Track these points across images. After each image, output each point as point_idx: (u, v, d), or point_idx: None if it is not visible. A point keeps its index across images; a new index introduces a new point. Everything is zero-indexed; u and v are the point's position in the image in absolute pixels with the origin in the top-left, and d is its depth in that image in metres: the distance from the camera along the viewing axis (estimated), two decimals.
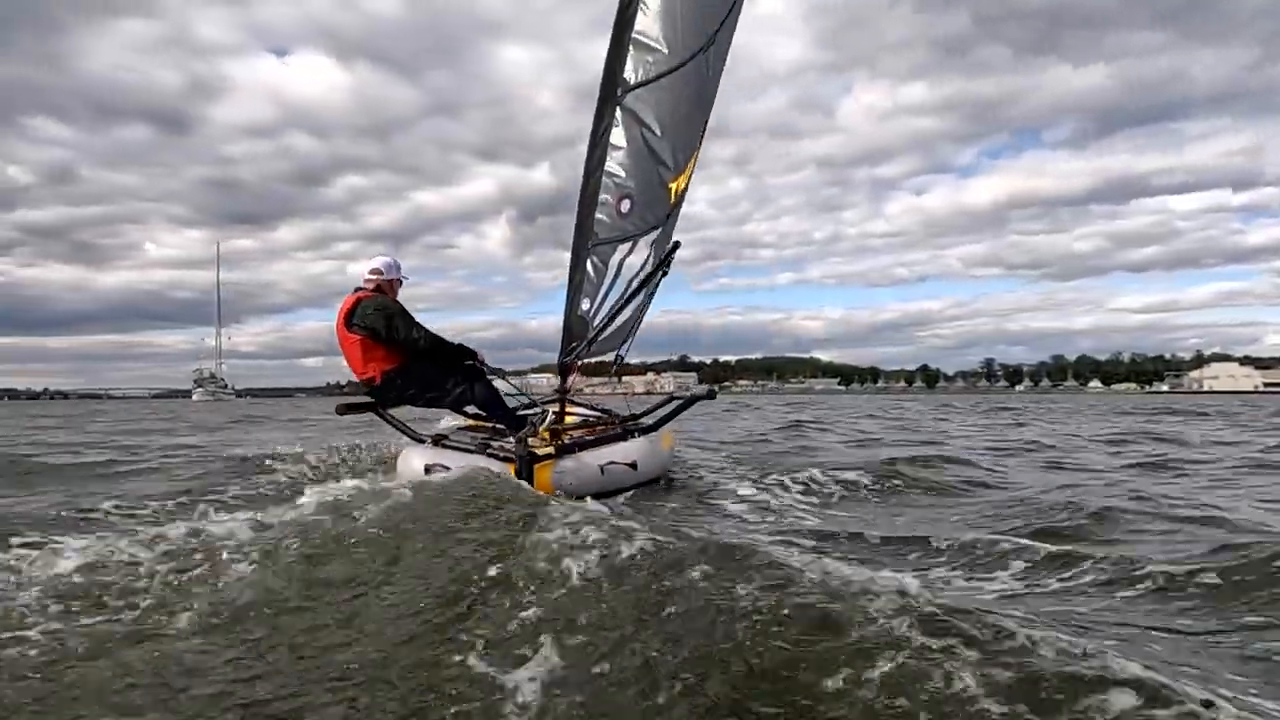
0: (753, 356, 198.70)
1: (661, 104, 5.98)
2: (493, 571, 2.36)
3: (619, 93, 6.04)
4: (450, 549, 2.55)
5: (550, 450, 4.56)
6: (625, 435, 5.03)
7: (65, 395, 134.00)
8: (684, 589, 2.09)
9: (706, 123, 6.21)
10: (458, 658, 1.87)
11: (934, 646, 1.65)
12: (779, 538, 3.70)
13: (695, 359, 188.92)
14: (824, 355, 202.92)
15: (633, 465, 4.71)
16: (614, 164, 6.16)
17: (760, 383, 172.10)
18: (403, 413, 5.32)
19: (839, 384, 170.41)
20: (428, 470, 4.45)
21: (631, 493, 4.88)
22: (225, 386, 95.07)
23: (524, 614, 2.06)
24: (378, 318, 4.77)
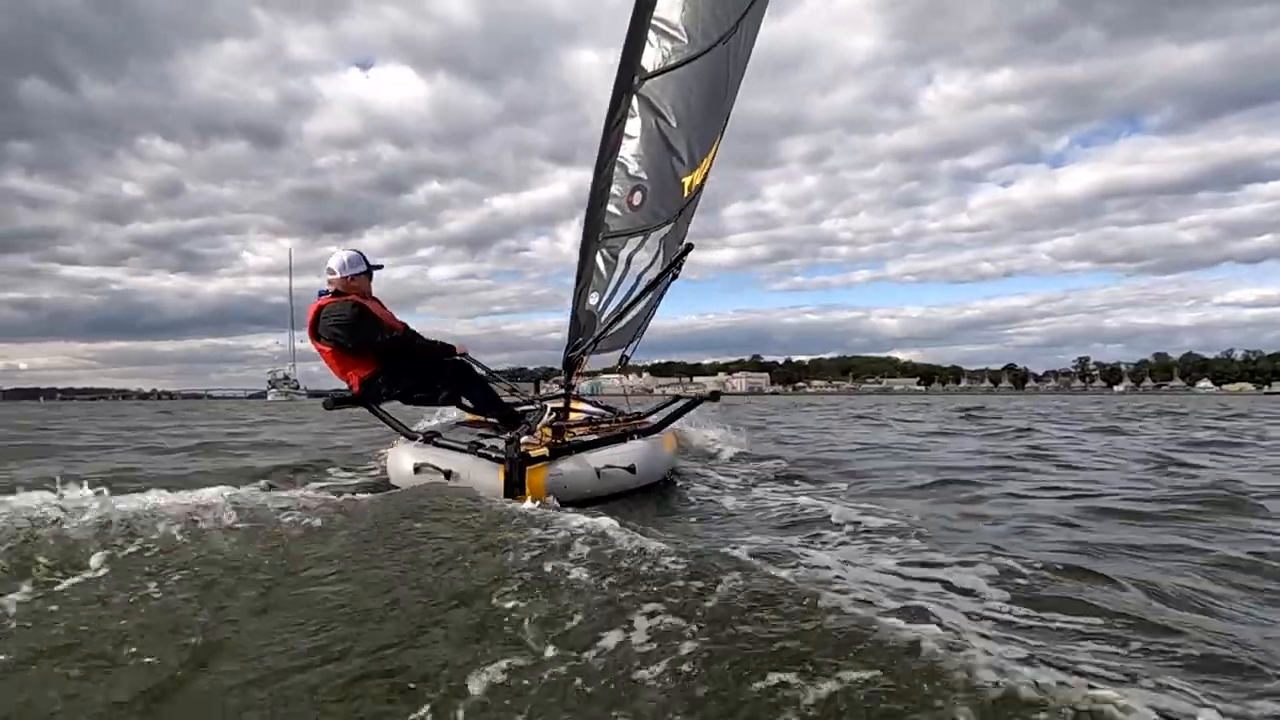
0: (827, 356, 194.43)
1: (678, 94, 5.68)
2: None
3: (635, 80, 5.74)
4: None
5: (544, 451, 4.31)
6: (624, 437, 4.73)
7: (171, 395, 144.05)
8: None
9: (726, 120, 5.89)
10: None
11: None
12: None
13: (768, 358, 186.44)
14: (902, 355, 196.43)
15: (631, 469, 4.41)
16: (627, 154, 5.87)
17: (835, 383, 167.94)
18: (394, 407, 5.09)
19: (918, 384, 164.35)
20: (416, 470, 4.30)
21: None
22: (297, 387, 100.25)
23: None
24: (338, 331, 4.52)
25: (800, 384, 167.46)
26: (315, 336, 4.62)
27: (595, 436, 4.78)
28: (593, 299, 6.13)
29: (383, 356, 4.63)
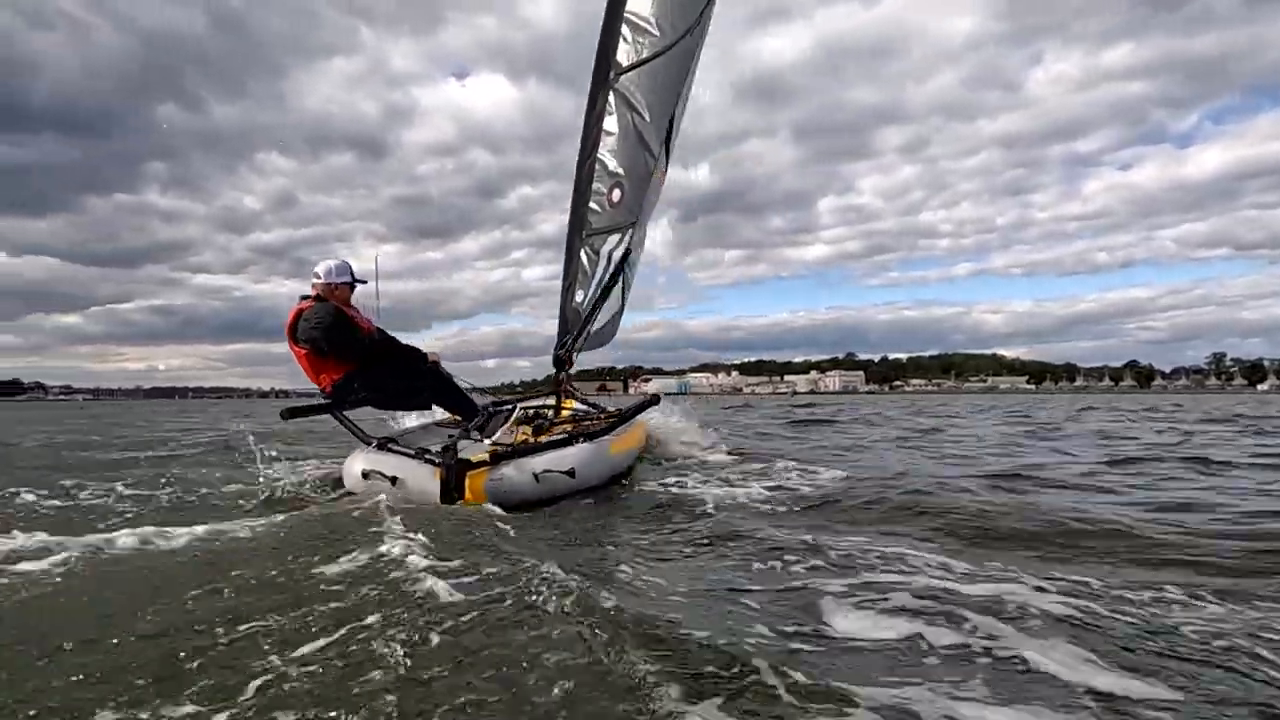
0: (926, 354, 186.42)
1: (650, 87, 5.67)
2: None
3: (611, 75, 5.71)
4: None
5: (485, 456, 4.37)
6: (571, 440, 4.75)
7: (288, 394, 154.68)
8: None
9: (684, 111, 5.89)
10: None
11: None
12: None
13: (862, 356, 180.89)
14: (1007, 351, 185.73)
15: (570, 472, 4.39)
16: (605, 151, 5.75)
17: (935, 382, 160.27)
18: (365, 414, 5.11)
19: (1028, 383, 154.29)
20: (365, 476, 4.34)
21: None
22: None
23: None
24: (316, 331, 4.62)
25: (897, 383, 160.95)
26: (293, 339, 4.72)
27: (542, 441, 4.80)
28: (579, 296, 6.04)
29: (357, 360, 4.75)
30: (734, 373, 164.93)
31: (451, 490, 4.17)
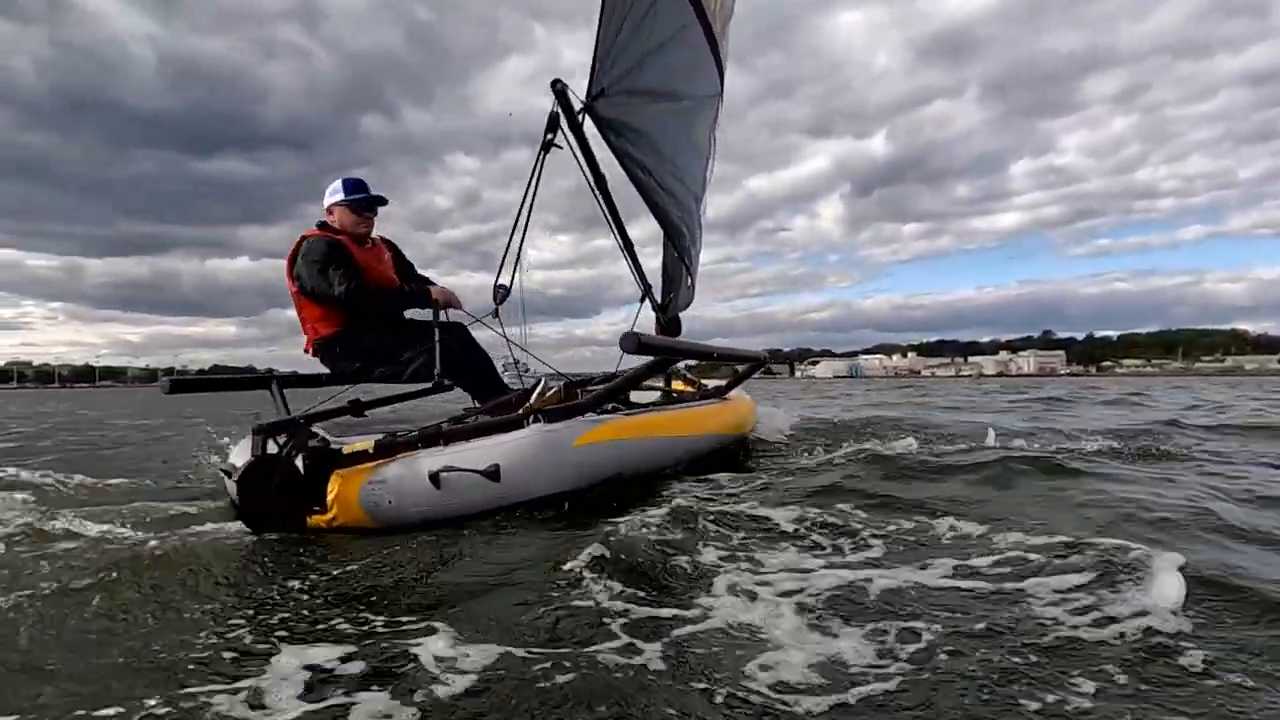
0: (1142, 331, 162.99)
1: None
2: None
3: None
4: None
5: (365, 448, 2.91)
6: (520, 423, 3.12)
7: None
8: None
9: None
10: None
11: None
12: None
13: (1061, 335, 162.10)
14: (1251, 326, 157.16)
15: (491, 473, 2.80)
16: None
17: (1156, 363, 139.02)
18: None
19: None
20: (228, 475, 3.21)
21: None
22: (527, 371, 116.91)
23: None
24: (304, 264, 3.55)
25: (1106, 363, 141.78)
26: (291, 274, 3.67)
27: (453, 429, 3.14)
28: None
29: (347, 311, 3.60)
30: (911, 354, 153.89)
31: (253, 512, 2.71)
